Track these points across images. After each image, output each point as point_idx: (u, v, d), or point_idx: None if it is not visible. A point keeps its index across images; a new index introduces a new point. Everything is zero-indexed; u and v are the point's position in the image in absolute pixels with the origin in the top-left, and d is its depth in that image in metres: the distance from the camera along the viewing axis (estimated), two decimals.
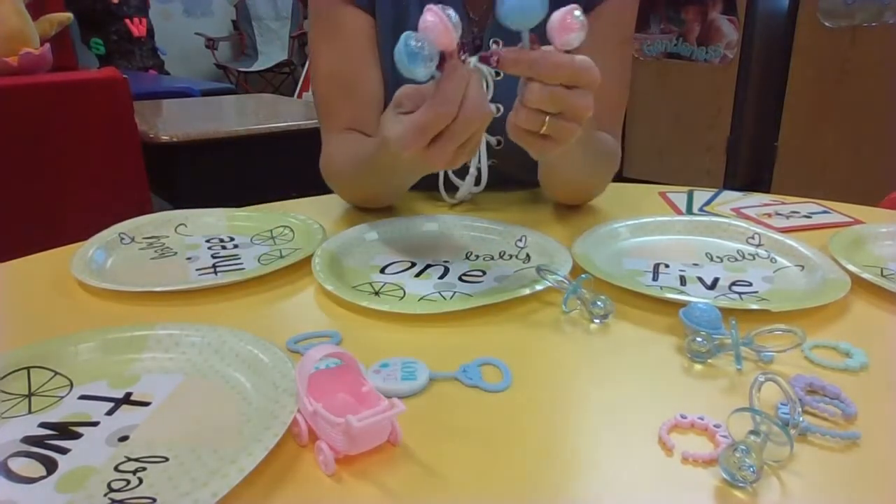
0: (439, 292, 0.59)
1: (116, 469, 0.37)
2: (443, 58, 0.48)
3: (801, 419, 0.39)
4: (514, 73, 0.49)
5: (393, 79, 0.83)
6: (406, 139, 0.51)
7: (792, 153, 3.07)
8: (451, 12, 0.47)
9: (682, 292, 0.58)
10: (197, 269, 0.65)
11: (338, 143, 0.82)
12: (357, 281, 0.61)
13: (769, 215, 0.82)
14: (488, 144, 0.83)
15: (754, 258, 0.68)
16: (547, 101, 0.50)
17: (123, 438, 0.39)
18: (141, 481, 0.36)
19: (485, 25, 0.82)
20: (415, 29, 0.86)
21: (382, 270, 0.64)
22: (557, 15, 0.48)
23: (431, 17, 0.46)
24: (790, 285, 0.61)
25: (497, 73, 0.82)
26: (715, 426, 0.40)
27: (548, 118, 0.51)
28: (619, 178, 0.85)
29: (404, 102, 0.52)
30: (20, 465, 0.37)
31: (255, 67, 5.04)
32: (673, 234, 0.74)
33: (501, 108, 0.83)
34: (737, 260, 0.67)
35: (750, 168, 3.27)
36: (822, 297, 0.56)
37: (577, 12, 0.48)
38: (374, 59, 0.83)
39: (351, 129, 0.82)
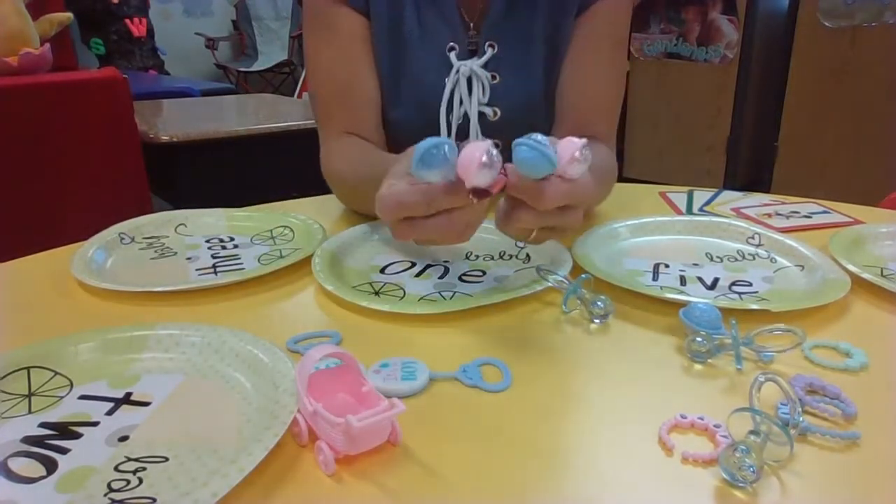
0: (439, 292, 0.59)
1: (116, 469, 0.37)
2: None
3: (801, 419, 0.39)
4: (515, 195, 0.48)
5: (389, 80, 0.83)
6: (383, 204, 0.49)
7: (792, 153, 3.07)
8: (495, 154, 0.44)
9: (682, 292, 0.58)
10: (197, 269, 0.65)
11: (338, 148, 0.81)
12: (357, 281, 0.61)
13: (769, 215, 0.82)
14: None
15: (754, 258, 0.68)
16: (537, 223, 0.49)
17: (123, 438, 0.39)
18: (141, 481, 0.36)
19: (480, 28, 0.82)
20: (414, 30, 0.86)
21: (382, 270, 0.64)
22: (566, 146, 0.47)
23: (469, 151, 0.44)
24: (790, 285, 0.61)
25: (493, 77, 0.82)
26: (715, 426, 0.40)
27: (535, 231, 0.50)
28: (619, 178, 0.85)
29: None
30: (20, 465, 0.37)
31: (255, 67, 5.03)
32: (673, 234, 0.74)
33: (499, 112, 0.83)
34: (737, 260, 0.67)
35: (750, 168, 3.28)
36: (822, 297, 0.56)
37: (587, 150, 0.47)
38: (369, 62, 0.82)
39: (349, 132, 0.82)
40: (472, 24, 0.83)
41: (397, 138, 0.84)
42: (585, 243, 0.67)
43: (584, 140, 0.47)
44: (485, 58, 0.81)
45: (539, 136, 0.46)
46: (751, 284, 0.61)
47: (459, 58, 0.81)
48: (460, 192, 0.46)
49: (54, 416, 0.41)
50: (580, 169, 0.47)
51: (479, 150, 0.44)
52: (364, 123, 0.82)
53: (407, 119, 0.83)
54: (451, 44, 0.81)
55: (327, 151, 0.83)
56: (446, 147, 0.45)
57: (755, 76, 3.10)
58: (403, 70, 0.83)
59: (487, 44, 0.81)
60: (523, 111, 0.83)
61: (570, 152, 0.47)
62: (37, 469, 0.37)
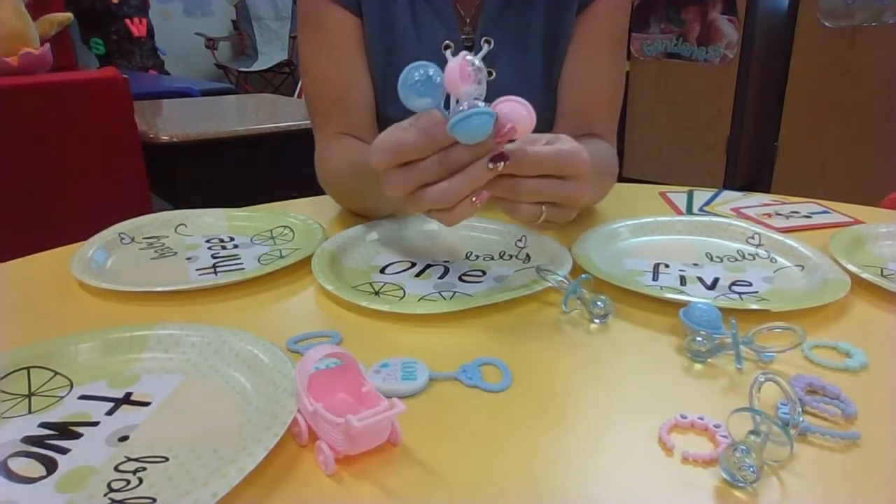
0: (439, 292, 0.59)
1: (116, 469, 0.37)
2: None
3: (801, 419, 0.39)
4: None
5: (383, 78, 0.83)
6: (379, 146, 0.50)
7: (792, 153, 3.07)
8: (476, 61, 0.46)
9: (682, 292, 0.58)
10: (197, 269, 0.65)
11: (334, 149, 0.81)
12: (357, 281, 0.61)
13: (769, 215, 0.82)
14: None
15: (754, 258, 0.68)
16: (539, 195, 0.50)
17: (123, 438, 0.39)
18: (141, 481, 0.36)
19: (476, 24, 0.82)
20: (408, 28, 0.86)
21: (382, 270, 0.64)
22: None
23: (451, 66, 0.46)
24: (790, 285, 0.61)
25: (490, 73, 0.82)
26: (715, 426, 0.40)
27: (544, 208, 0.51)
28: (619, 178, 0.85)
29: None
30: (20, 465, 0.37)
31: (255, 67, 5.04)
32: (673, 234, 0.74)
33: None
34: (737, 260, 0.67)
35: (750, 168, 3.28)
36: (822, 297, 0.56)
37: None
38: (362, 62, 0.82)
39: (344, 133, 0.82)
40: (467, 21, 0.83)
41: None
42: (585, 243, 0.67)
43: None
44: (482, 53, 0.81)
45: (463, 104, 0.46)
46: (751, 284, 0.61)
47: (455, 55, 0.81)
48: (435, 130, 0.47)
49: (54, 416, 0.41)
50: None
51: (459, 61, 0.45)
52: (358, 124, 0.82)
53: (402, 116, 0.83)
54: (447, 41, 0.81)
55: (322, 152, 0.83)
56: (430, 69, 0.46)
57: (755, 76, 3.10)
58: (397, 68, 0.82)
59: (483, 39, 0.81)
60: None
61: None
62: (37, 469, 0.37)
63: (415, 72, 0.46)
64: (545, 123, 0.85)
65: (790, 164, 3.08)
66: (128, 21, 4.19)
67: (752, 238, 0.71)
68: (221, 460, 0.37)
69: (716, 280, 0.62)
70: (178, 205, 0.97)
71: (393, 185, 0.50)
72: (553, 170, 0.50)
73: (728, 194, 0.91)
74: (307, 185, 0.90)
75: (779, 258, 0.67)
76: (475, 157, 0.48)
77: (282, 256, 0.66)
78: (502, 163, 0.48)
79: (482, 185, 0.49)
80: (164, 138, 1.81)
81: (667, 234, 0.73)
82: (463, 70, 0.45)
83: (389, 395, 0.38)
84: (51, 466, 0.37)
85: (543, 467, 0.37)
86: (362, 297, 0.56)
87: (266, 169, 2.01)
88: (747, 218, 0.80)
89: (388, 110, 0.84)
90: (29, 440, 0.39)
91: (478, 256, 0.68)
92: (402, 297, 0.58)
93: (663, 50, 3.27)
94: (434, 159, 0.48)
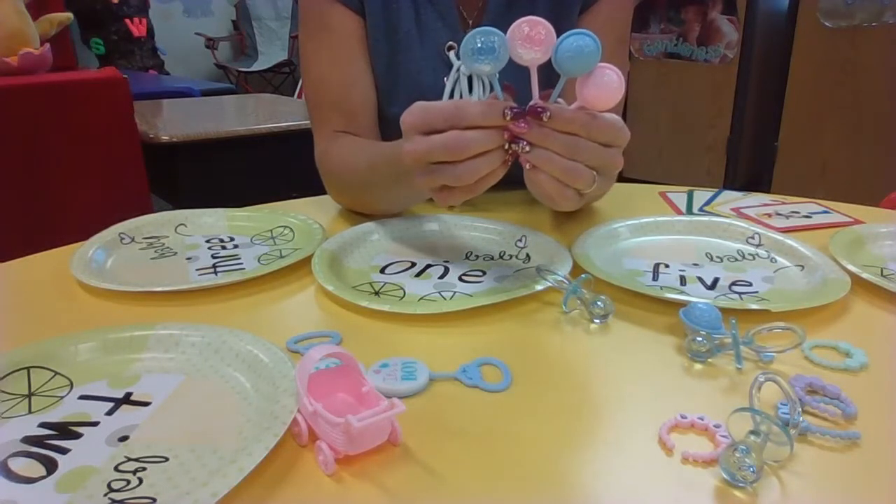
0: (439, 292, 0.59)
1: (116, 469, 0.37)
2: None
3: (801, 419, 0.39)
4: (561, 130, 0.50)
5: (386, 78, 0.83)
6: (409, 111, 0.52)
7: (792, 153, 3.07)
8: (542, 26, 0.49)
9: (682, 292, 0.58)
10: (197, 269, 0.65)
11: (338, 146, 0.81)
12: (357, 281, 0.61)
13: (769, 215, 0.82)
14: None
15: (754, 258, 0.68)
16: (594, 158, 0.50)
17: (123, 438, 0.39)
18: (141, 481, 0.36)
19: (479, 26, 0.82)
20: (411, 29, 0.87)
21: (382, 270, 0.64)
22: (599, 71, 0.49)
23: (515, 25, 0.49)
24: (790, 285, 0.61)
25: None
26: (715, 426, 0.40)
27: (596, 175, 0.51)
28: (619, 178, 0.85)
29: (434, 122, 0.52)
30: (20, 465, 0.37)
31: (255, 67, 5.03)
32: (673, 234, 0.74)
33: None
34: (737, 260, 0.67)
35: (750, 168, 3.27)
36: (822, 297, 0.56)
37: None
38: (364, 62, 0.82)
39: (345, 132, 0.82)
40: (470, 22, 0.83)
41: (394, 135, 0.84)
42: (585, 243, 0.67)
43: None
44: None
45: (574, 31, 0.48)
46: (751, 284, 0.61)
47: (458, 56, 0.81)
48: (494, 110, 0.50)
49: (54, 416, 0.41)
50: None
51: (522, 22, 0.48)
52: (360, 124, 0.82)
53: None
54: (451, 42, 0.81)
55: (325, 151, 0.83)
56: (496, 38, 0.49)
57: (755, 76, 3.09)
58: (400, 69, 0.83)
59: None
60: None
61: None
62: (37, 469, 0.37)
63: (481, 35, 0.49)
64: None
65: (790, 164, 3.08)
66: (128, 21, 4.19)
67: (752, 238, 0.71)
68: (221, 460, 0.37)
69: (716, 280, 0.62)
70: (178, 205, 0.97)
71: (419, 182, 0.53)
72: (610, 136, 0.51)
73: (728, 194, 0.91)
74: (307, 185, 0.90)
75: (779, 258, 0.67)
76: (488, 128, 0.50)
77: (282, 256, 0.66)
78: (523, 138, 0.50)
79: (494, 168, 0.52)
80: (164, 138, 1.81)
81: (667, 234, 0.73)
82: (525, 35, 0.48)
83: (389, 395, 0.38)
84: (51, 466, 0.37)
85: (543, 467, 0.37)
86: (362, 297, 0.56)
87: (266, 169, 2.01)
88: (747, 218, 0.80)
89: (389, 111, 0.84)
90: (29, 440, 0.39)
91: (478, 256, 0.68)
92: (402, 297, 0.58)
93: (663, 50, 3.27)
94: (454, 132, 0.50)
